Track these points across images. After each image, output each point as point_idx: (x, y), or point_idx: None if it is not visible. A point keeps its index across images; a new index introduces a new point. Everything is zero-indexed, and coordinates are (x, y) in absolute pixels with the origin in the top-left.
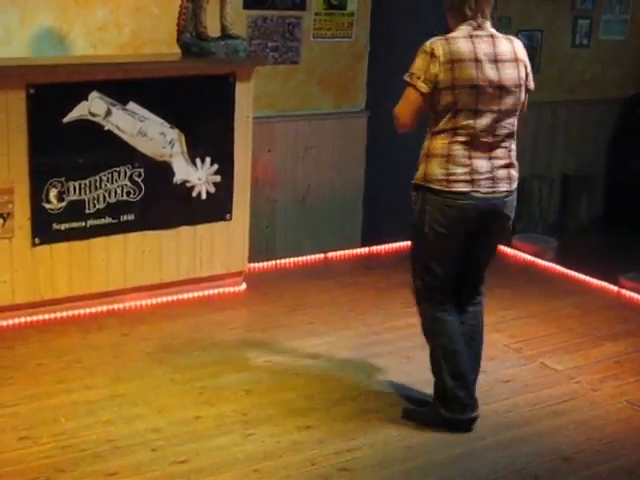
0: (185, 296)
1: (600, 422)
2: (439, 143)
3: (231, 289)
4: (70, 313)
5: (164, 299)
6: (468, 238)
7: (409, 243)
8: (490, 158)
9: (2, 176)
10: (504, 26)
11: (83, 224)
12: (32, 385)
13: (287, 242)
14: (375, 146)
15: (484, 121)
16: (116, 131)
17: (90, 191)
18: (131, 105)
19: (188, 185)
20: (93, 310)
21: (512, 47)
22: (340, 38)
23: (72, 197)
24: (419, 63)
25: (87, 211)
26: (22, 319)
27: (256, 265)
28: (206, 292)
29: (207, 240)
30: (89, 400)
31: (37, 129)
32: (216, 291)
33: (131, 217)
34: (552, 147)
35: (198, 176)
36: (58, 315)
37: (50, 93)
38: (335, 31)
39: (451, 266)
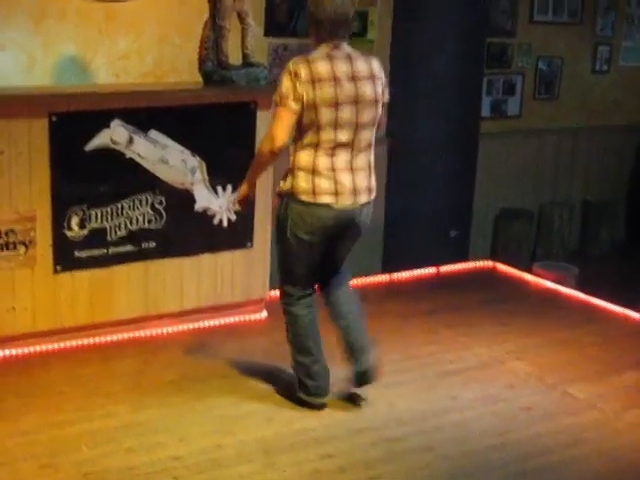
0: (206, 323)
1: (623, 451)
2: (304, 158)
3: (252, 317)
4: (91, 340)
5: (185, 326)
6: (326, 242)
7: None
8: (352, 170)
9: (24, 204)
10: (524, 53)
11: (105, 251)
12: (53, 412)
13: None
14: (395, 173)
15: (344, 135)
16: (138, 159)
17: (112, 218)
18: (153, 133)
19: (209, 213)
20: (114, 337)
21: (369, 65)
22: None
23: (94, 224)
24: (286, 84)
25: (108, 238)
26: (43, 346)
27: (277, 293)
28: (227, 320)
29: (228, 268)
30: (110, 428)
31: (59, 157)
32: (237, 319)
33: (152, 245)
34: (572, 173)
35: (219, 204)
36: (79, 342)
37: (72, 121)
38: None
39: (309, 267)
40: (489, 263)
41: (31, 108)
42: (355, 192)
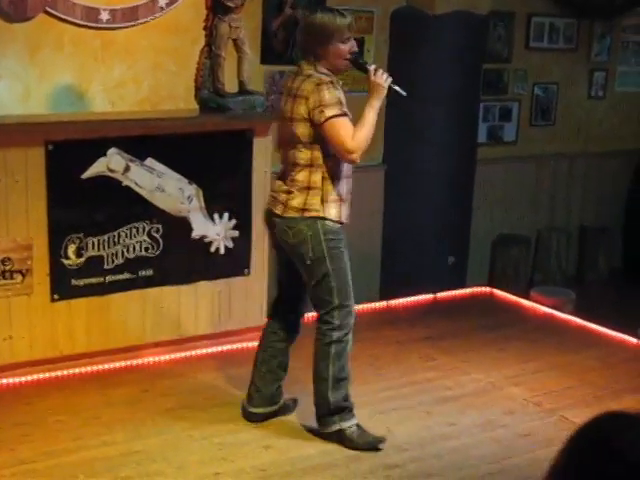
0: (204, 351)
1: None
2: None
3: (249, 344)
4: (89, 369)
5: (183, 354)
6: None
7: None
8: (285, 184)
9: (21, 232)
10: (520, 79)
11: (102, 280)
12: (51, 442)
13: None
14: (392, 200)
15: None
16: (134, 187)
17: (109, 247)
18: (149, 161)
19: (206, 240)
20: (112, 366)
21: (300, 84)
22: (357, 92)
23: (91, 253)
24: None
25: (106, 267)
26: (40, 375)
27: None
28: (225, 347)
29: (225, 295)
30: (108, 456)
31: (56, 185)
32: (235, 346)
33: (149, 272)
34: (569, 199)
35: (216, 231)
36: (77, 371)
37: (69, 150)
38: (352, 85)
39: None
40: (486, 289)
41: (27, 136)
42: (277, 202)
